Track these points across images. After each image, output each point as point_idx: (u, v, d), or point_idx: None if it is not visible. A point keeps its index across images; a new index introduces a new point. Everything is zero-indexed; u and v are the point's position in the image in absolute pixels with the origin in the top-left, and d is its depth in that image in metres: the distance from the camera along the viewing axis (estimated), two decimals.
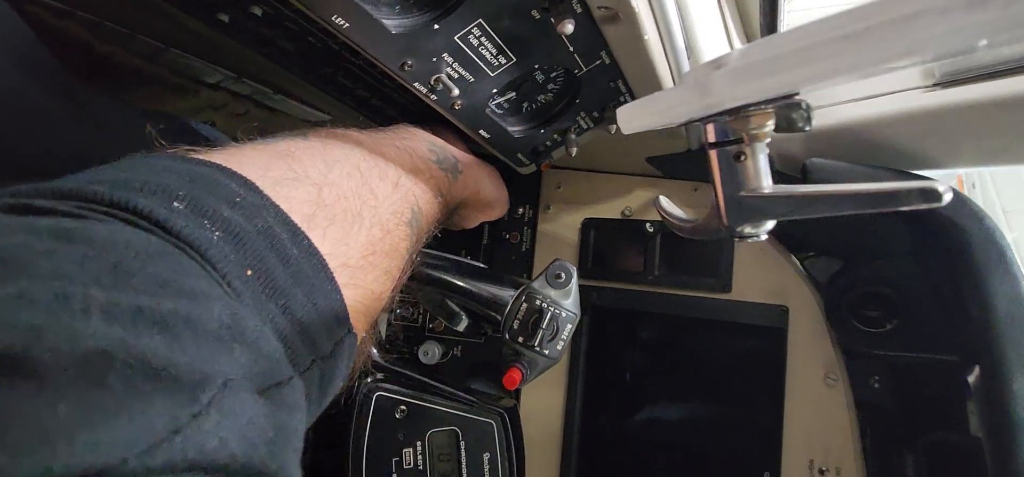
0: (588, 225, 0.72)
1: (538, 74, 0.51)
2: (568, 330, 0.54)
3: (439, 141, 0.54)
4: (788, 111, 0.29)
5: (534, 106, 0.56)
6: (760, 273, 0.67)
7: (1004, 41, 0.18)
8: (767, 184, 0.33)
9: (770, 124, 0.31)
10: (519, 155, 0.60)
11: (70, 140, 0.47)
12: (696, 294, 0.68)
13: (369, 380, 0.64)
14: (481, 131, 0.53)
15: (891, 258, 0.62)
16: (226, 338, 0.23)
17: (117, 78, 0.54)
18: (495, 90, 0.49)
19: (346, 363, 0.34)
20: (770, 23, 0.35)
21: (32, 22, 0.45)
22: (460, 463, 0.64)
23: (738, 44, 0.55)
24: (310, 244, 0.31)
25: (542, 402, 0.70)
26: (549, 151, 0.61)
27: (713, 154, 0.34)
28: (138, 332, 0.21)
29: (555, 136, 0.59)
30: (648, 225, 0.70)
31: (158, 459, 0.19)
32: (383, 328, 0.73)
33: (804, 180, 0.56)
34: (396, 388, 0.64)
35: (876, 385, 0.63)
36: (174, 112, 0.60)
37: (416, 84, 0.45)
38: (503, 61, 0.46)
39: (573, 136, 0.58)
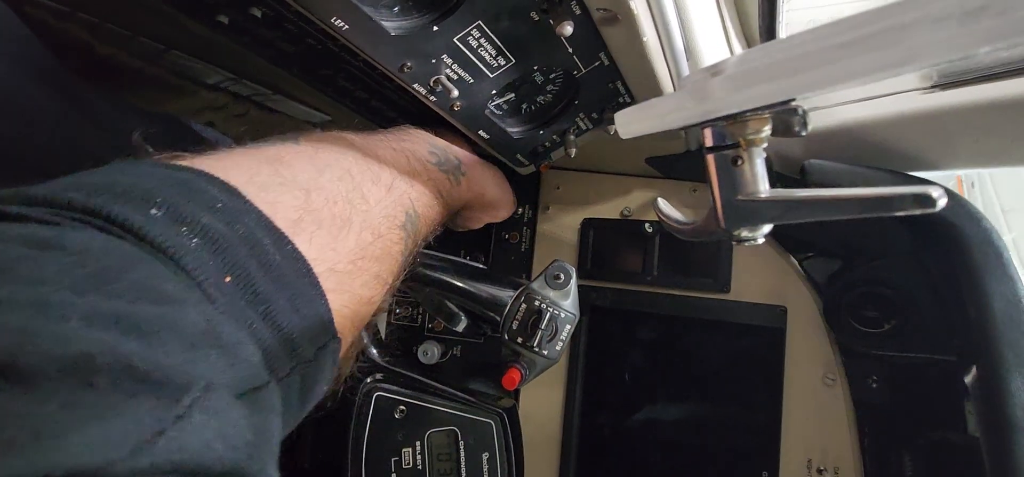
0: (587, 225, 0.72)
1: (537, 75, 0.51)
2: (567, 331, 0.54)
3: (441, 142, 0.53)
4: (785, 116, 0.29)
5: (533, 107, 0.56)
6: (759, 273, 0.68)
7: (1000, 50, 0.19)
8: (764, 188, 0.33)
9: (767, 129, 0.31)
10: (518, 156, 0.60)
11: (70, 141, 0.47)
12: (695, 294, 0.69)
13: (369, 380, 0.64)
14: (480, 132, 0.53)
15: (889, 259, 0.62)
16: (203, 343, 0.23)
17: (117, 79, 0.54)
18: (494, 91, 0.49)
19: (330, 368, 0.34)
20: (769, 25, 0.35)
21: (32, 23, 0.45)
22: (459, 463, 0.64)
23: (737, 46, 0.55)
24: (294, 249, 0.31)
25: (541, 402, 0.70)
26: (548, 152, 0.61)
27: (710, 158, 0.34)
28: (118, 337, 0.21)
29: (554, 137, 0.59)
30: (647, 225, 0.70)
31: (144, 460, 0.19)
32: (382, 328, 0.73)
33: (802, 181, 0.56)
34: (395, 388, 0.64)
35: (874, 385, 0.64)
36: (174, 113, 0.60)
37: (415, 86, 0.45)
38: (502, 62, 0.47)
39: (572, 137, 0.58)
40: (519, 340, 0.54)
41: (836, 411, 0.64)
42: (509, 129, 0.55)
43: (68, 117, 0.47)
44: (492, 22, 0.42)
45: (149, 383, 0.21)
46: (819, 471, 0.64)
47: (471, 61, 0.45)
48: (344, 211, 0.37)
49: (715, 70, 0.27)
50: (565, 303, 0.54)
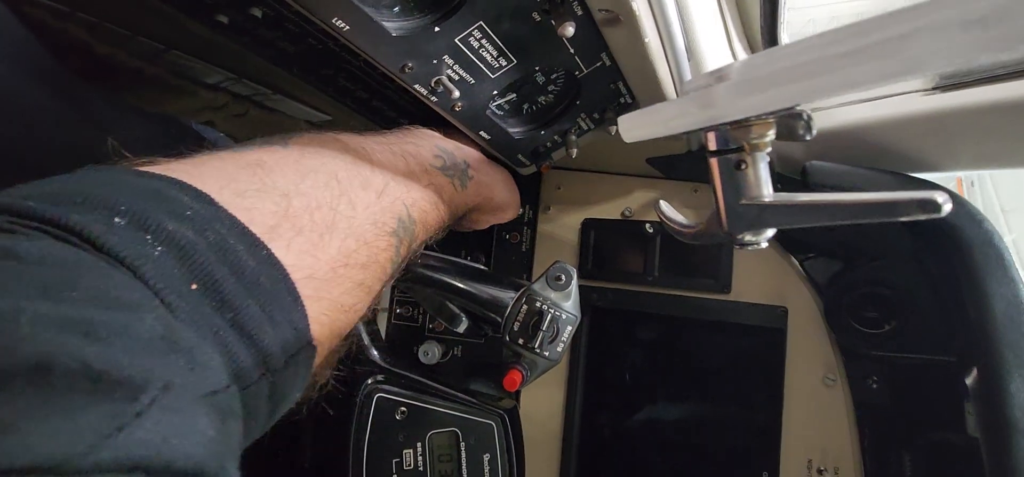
0: (588, 226, 0.72)
1: (539, 76, 0.51)
2: (568, 332, 0.54)
3: (450, 145, 0.53)
4: (789, 121, 0.29)
5: (534, 108, 0.55)
6: (759, 274, 0.68)
7: (1002, 59, 0.19)
8: (768, 192, 0.33)
9: (771, 133, 0.31)
10: (519, 156, 0.60)
11: (69, 141, 0.47)
12: (696, 295, 0.69)
13: (370, 382, 0.64)
14: (481, 132, 0.53)
15: (890, 260, 0.62)
16: (160, 347, 0.24)
17: (116, 79, 0.54)
18: (495, 92, 0.49)
19: (303, 376, 0.34)
20: (770, 26, 0.35)
21: (30, 23, 0.45)
22: (460, 464, 0.64)
23: (739, 47, 0.55)
24: (270, 255, 0.31)
25: (542, 402, 0.70)
26: (549, 152, 0.61)
27: (714, 162, 0.34)
28: (74, 340, 0.21)
29: (555, 137, 0.59)
30: (648, 226, 0.70)
31: (104, 456, 0.19)
32: (383, 328, 0.73)
33: (803, 182, 0.56)
34: (396, 389, 0.64)
35: (874, 385, 0.64)
36: (174, 113, 0.60)
37: (416, 86, 0.45)
38: (504, 63, 0.46)
39: (573, 137, 0.58)
40: (520, 342, 0.53)
41: (836, 412, 0.64)
42: (510, 129, 0.55)
43: (67, 117, 0.47)
44: (494, 23, 0.42)
45: (107, 382, 0.21)
46: (819, 471, 0.64)
47: (472, 62, 0.45)
48: (327, 217, 0.37)
49: (719, 76, 0.27)
50: (566, 304, 0.54)
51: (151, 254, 0.26)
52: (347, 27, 0.38)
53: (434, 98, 0.46)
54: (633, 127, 0.35)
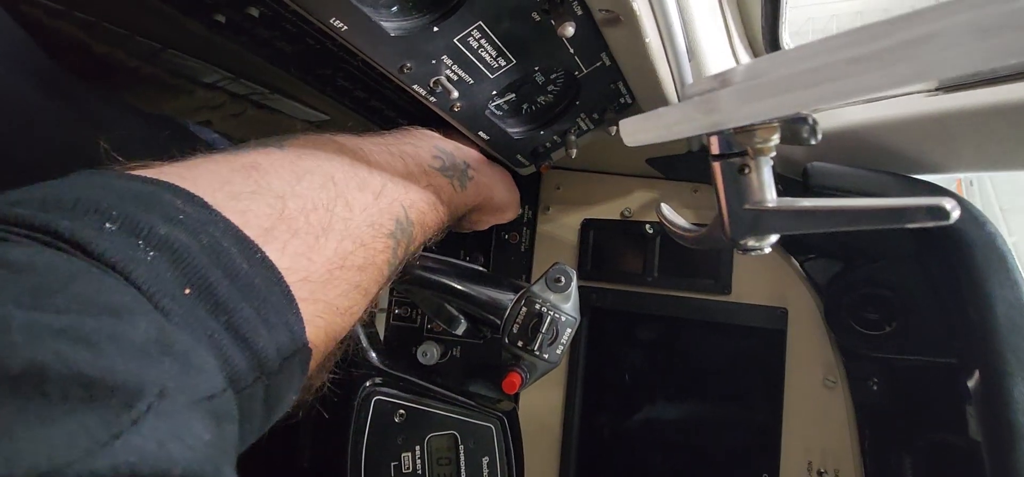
0: (587, 226, 0.72)
1: (538, 76, 0.50)
2: (568, 334, 0.54)
3: (450, 145, 0.52)
4: (794, 125, 0.28)
5: (534, 108, 0.55)
6: (760, 275, 0.67)
7: (1011, 63, 0.18)
8: (771, 197, 0.33)
9: (775, 138, 0.30)
10: (519, 156, 0.60)
11: (66, 141, 0.47)
12: (696, 296, 0.68)
13: (368, 384, 0.63)
14: (480, 133, 0.53)
15: (891, 261, 0.62)
16: (154, 352, 0.23)
17: (113, 78, 0.54)
18: (495, 92, 0.49)
19: (298, 379, 0.34)
20: (772, 27, 0.34)
21: (27, 23, 0.44)
22: (459, 467, 0.63)
23: (739, 47, 0.55)
24: (264, 258, 0.31)
25: (541, 403, 0.70)
26: (549, 152, 0.61)
27: (716, 166, 0.34)
28: (66, 347, 0.21)
29: (555, 137, 0.58)
30: (648, 226, 0.69)
31: (100, 463, 0.19)
32: (381, 329, 0.73)
33: (805, 183, 0.56)
34: (395, 392, 0.64)
35: (875, 387, 0.63)
36: (171, 112, 0.59)
37: (415, 86, 0.44)
38: (503, 63, 0.46)
39: (573, 137, 0.58)
40: (520, 344, 0.53)
41: (837, 413, 0.64)
42: (509, 130, 0.55)
43: (64, 116, 0.47)
44: (493, 23, 0.42)
45: (101, 388, 0.21)
46: (819, 473, 0.64)
47: (471, 62, 0.44)
48: (323, 219, 0.37)
49: (723, 81, 0.27)
50: (566, 306, 0.54)
51: (143, 258, 0.26)
52: (345, 27, 0.37)
53: (433, 98, 0.46)
54: (635, 131, 0.34)
